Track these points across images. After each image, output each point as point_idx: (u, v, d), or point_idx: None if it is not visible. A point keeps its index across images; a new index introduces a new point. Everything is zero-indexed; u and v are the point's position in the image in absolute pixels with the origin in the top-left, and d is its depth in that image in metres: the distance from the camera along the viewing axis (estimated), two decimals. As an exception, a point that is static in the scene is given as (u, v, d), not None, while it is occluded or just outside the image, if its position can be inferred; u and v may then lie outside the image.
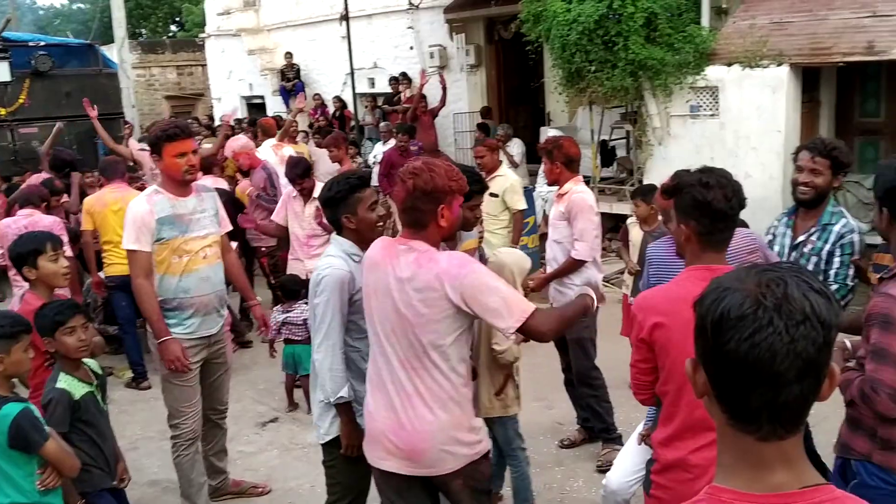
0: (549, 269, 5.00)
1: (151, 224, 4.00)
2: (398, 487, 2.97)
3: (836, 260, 3.58)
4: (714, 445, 2.32)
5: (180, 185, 4.12)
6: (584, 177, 10.14)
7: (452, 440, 2.83)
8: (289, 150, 9.35)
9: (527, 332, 2.78)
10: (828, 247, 3.59)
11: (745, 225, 3.76)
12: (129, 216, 4.07)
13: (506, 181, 6.77)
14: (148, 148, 4.80)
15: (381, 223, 3.46)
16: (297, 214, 6.39)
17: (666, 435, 2.55)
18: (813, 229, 3.64)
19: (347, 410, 3.23)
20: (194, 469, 4.29)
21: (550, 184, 5.08)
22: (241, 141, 8.46)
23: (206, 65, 20.57)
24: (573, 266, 4.78)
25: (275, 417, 5.94)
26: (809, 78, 8.72)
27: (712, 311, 1.19)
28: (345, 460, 3.39)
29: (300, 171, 6.35)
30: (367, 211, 3.33)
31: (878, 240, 3.76)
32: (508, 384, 3.82)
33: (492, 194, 6.79)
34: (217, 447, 4.67)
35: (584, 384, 4.92)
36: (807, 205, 3.66)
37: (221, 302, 4.33)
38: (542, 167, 4.82)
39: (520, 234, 6.88)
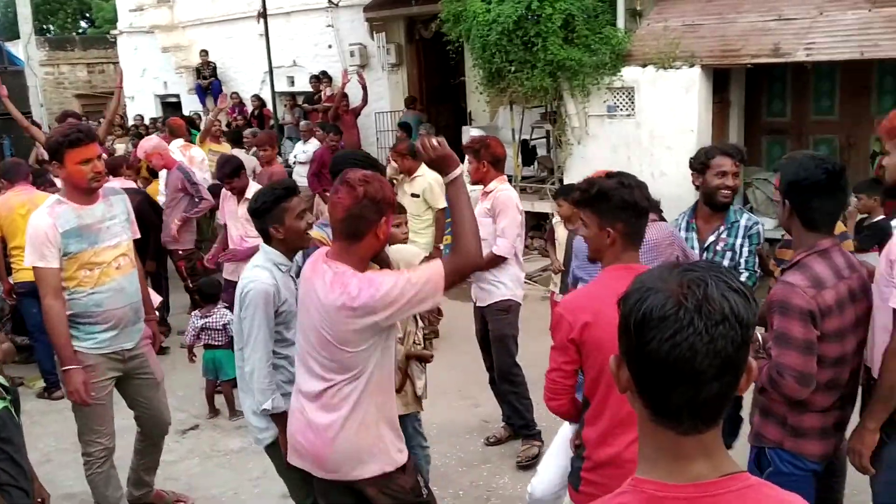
0: None
1: (56, 238, 3.70)
2: (320, 487, 2.99)
3: (746, 250, 3.88)
4: None
5: (86, 193, 3.82)
6: (506, 175, 10.33)
7: (357, 448, 2.80)
8: (197, 151, 9.19)
9: (454, 281, 2.73)
10: (739, 240, 3.88)
11: (663, 220, 3.89)
12: (30, 231, 3.76)
13: (425, 181, 6.80)
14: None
15: (309, 230, 3.42)
16: (231, 214, 6.29)
17: (598, 433, 2.60)
18: (721, 228, 3.88)
19: (281, 419, 3.19)
20: (109, 485, 4.10)
21: (474, 183, 5.09)
22: (153, 141, 8.12)
23: (118, 62, 19.93)
24: (494, 262, 4.81)
25: (195, 425, 5.80)
26: (720, 79, 9.00)
27: (636, 311, 1.22)
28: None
29: (229, 171, 6.21)
30: (294, 220, 3.32)
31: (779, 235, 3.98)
32: (406, 383, 3.82)
33: (413, 195, 6.84)
34: (149, 463, 4.48)
35: (505, 381, 4.97)
36: (724, 207, 3.87)
37: (138, 314, 4.07)
38: (468, 166, 4.82)
39: (443, 233, 6.89)
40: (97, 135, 4.10)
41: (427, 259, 3.77)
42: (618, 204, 2.62)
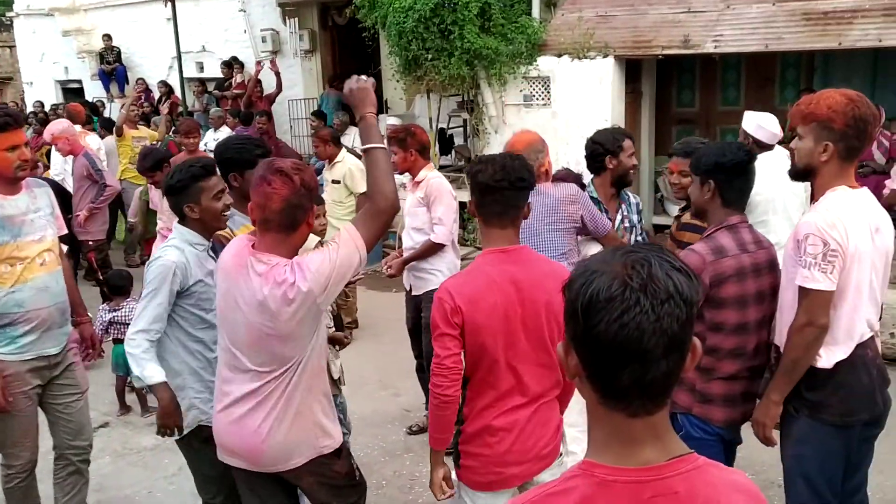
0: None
1: None
2: (248, 482, 2.90)
3: (640, 226, 4.38)
4: (516, 410, 2.61)
5: (10, 182, 3.47)
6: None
7: (294, 440, 2.76)
8: (93, 139, 8.96)
9: (378, 228, 2.70)
10: (635, 216, 4.33)
11: (582, 187, 4.16)
12: None
13: (345, 166, 6.78)
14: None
15: (226, 212, 3.29)
16: (156, 206, 6.07)
17: (476, 409, 2.69)
18: (623, 206, 4.27)
19: (163, 390, 3.09)
20: (27, 498, 3.75)
21: (401, 172, 5.04)
22: (62, 125, 7.71)
23: (14, 46, 18.97)
24: (432, 249, 4.78)
25: (105, 422, 5.57)
26: (632, 70, 9.19)
27: (582, 295, 1.21)
28: (204, 453, 3.25)
29: (149, 164, 6.02)
30: (211, 200, 3.19)
31: (664, 220, 4.24)
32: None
33: (334, 181, 6.78)
34: (77, 499, 3.89)
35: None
36: (628, 185, 4.32)
37: (64, 315, 3.71)
38: (393, 157, 4.77)
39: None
40: (23, 119, 3.72)
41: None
42: (475, 186, 2.72)
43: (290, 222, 2.64)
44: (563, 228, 3.78)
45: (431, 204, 4.76)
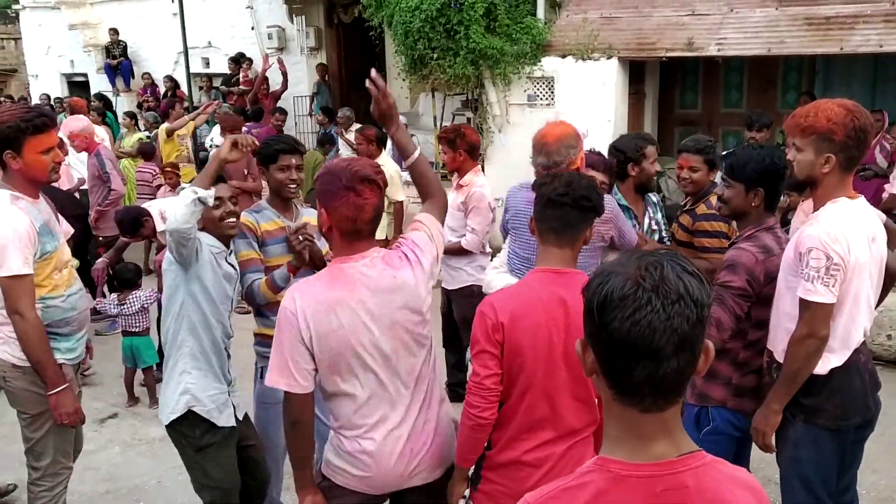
0: None
1: (35, 239, 3.20)
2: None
3: (664, 223, 4.40)
4: (549, 445, 2.53)
5: (41, 185, 3.37)
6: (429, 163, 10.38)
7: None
8: (100, 130, 9.01)
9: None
10: (659, 215, 4.35)
11: (611, 174, 4.08)
12: (9, 234, 3.13)
13: (385, 171, 6.66)
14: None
15: (228, 220, 3.31)
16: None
17: (505, 437, 2.55)
18: (649, 209, 4.30)
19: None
20: None
21: (450, 172, 5.04)
22: (83, 122, 7.77)
23: (20, 38, 19.02)
24: (459, 251, 4.97)
25: (114, 413, 5.66)
26: (636, 71, 9.26)
27: (598, 294, 1.29)
28: (205, 460, 3.29)
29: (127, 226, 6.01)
30: (209, 210, 3.20)
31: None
32: None
33: None
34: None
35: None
36: (650, 190, 4.36)
37: None
38: (442, 156, 4.83)
39: (401, 225, 6.89)
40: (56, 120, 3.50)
41: None
42: (538, 198, 2.62)
43: (377, 226, 2.59)
44: (592, 248, 3.46)
45: (469, 213, 4.89)
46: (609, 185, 3.89)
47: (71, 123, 7.80)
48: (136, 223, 5.57)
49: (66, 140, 7.21)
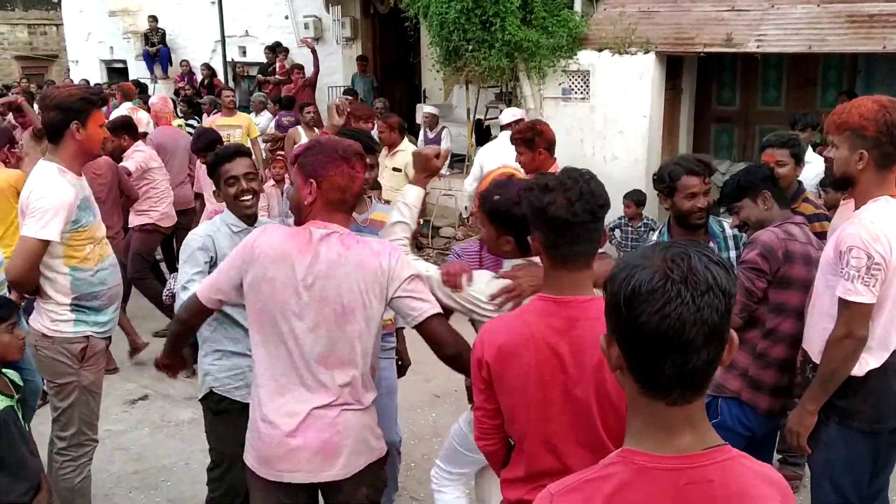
0: None
1: (74, 212, 3.33)
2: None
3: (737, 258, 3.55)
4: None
5: (87, 161, 3.56)
6: (459, 155, 10.35)
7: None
8: (144, 115, 9.26)
9: None
10: (731, 252, 3.60)
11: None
12: (56, 203, 3.25)
13: (406, 156, 6.76)
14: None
15: (244, 196, 3.36)
16: (203, 188, 6.15)
17: (512, 476, 2.25)
18: (712, 244, 3.55)
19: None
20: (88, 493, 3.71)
21: (529, 172, 4.43)
22: (164, 101, 8.71)
23: (62, 24, 19.32)
24: None
25: (144, 395, 5.74)
26: (673, 66, 9.15)
27: (624, 288, 1.27)
28: (214, 424, 3.45)
29: (202, 145, 6.10)
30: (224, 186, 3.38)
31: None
32: None
33: (395, 168, 6.89)
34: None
35: None
36: (700, 228, 3.51)
37: None
38: (520, 157, 4.60)
39: (424, 209, 6.92)
40: None
41: None
42: (527, 209, 2.17)
43: (354, 206, 2.69)
44: None
45: None
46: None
47: (155, 102, 8.75)
48: (212, 143, 5.90)
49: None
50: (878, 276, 2.65)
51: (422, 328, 2.55)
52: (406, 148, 6.99)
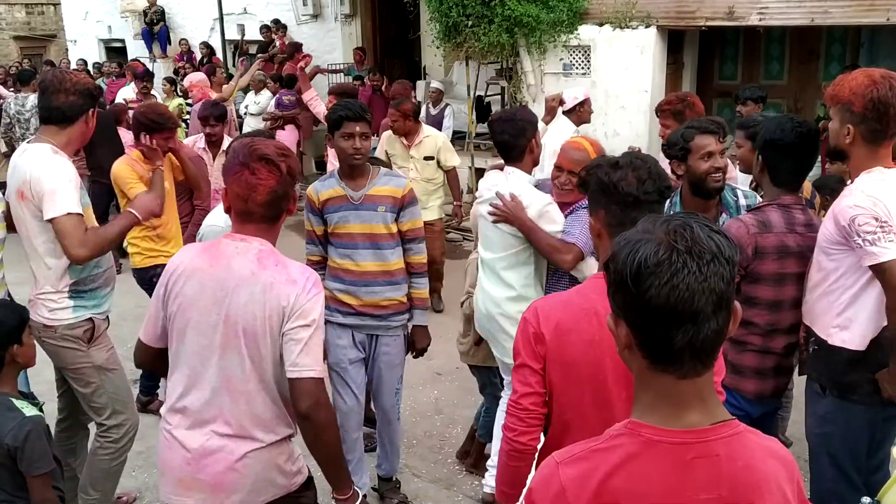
0: None
1: (79, 186, 3.35)
2: None
3: None
4: None
5: (79, 147, 3.61)
6: (460, 132, 10.28)
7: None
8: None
9: None
10: None
11: None
12: (60, 177, 3.25)
13: (433, 141, 6.53)
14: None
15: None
16: (209, 166, 5.78)
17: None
18: (724, 216, 3.36)
19: None
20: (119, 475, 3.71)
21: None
22: (199, 76, 9.87)
23: (59, 4, 19.19)
24: None
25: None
26: (674, 40, 9.09)
27: (630, 263, 1.27)
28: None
29: (217, 113, 5.80)
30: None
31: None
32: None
33: (426, 157, 6.50)
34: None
35: None
36: (717, 193, 3.33)
37: None
38: (661, 132, 4.36)
39: (459, 191, 6.85)
40: None
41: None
42: (594, 185, 2.16)
43: (277, 213, 2.39)
44: None
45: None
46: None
47: (190, 76, 9.84)
48: (223, 115, 5.94)
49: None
50: (892, 232, 2.61)
51: (293, 381, 2.31)
52: (431, 133, 6.60)
